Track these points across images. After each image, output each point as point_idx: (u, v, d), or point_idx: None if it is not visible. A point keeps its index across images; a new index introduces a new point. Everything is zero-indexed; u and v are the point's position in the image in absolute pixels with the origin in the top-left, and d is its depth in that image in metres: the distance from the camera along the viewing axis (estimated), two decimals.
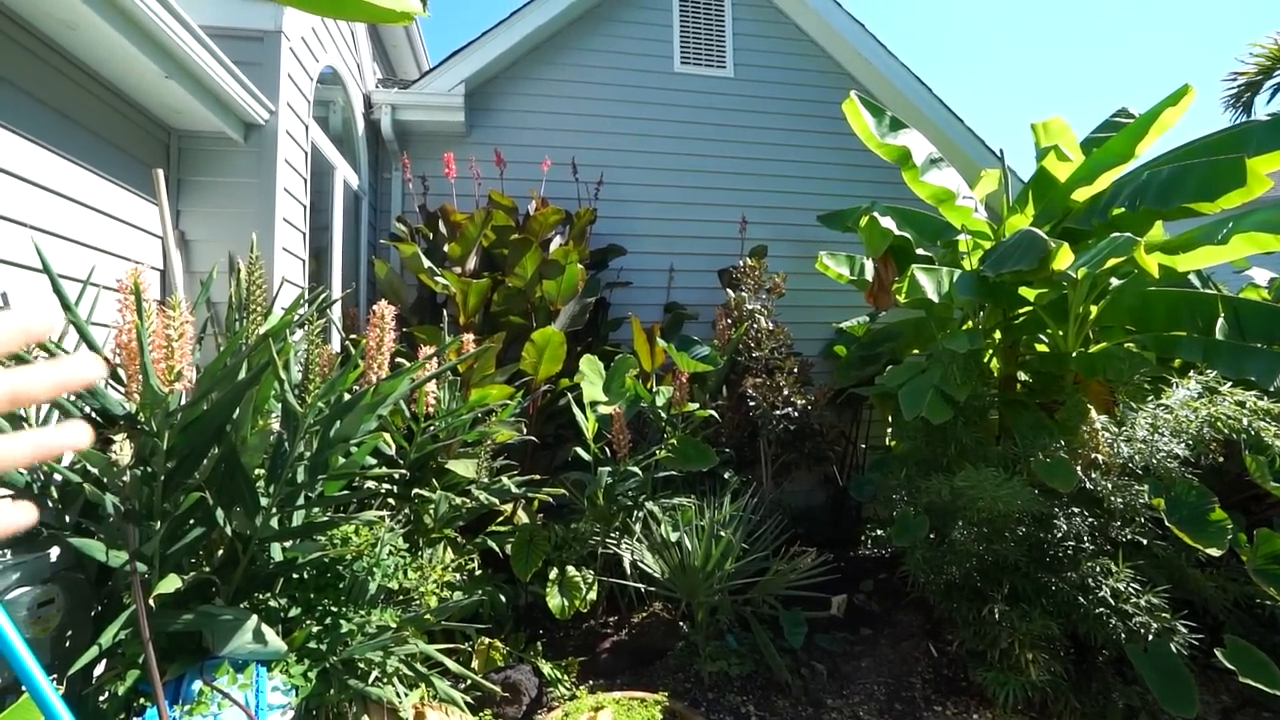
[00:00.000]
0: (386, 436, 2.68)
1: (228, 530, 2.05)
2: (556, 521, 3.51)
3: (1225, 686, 3.04)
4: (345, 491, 2.45)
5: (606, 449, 3.49)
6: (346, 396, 2.14)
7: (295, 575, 2.32)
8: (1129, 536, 2.69)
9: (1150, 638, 2.47)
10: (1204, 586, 2.73)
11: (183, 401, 1.92)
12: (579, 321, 4.22)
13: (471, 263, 4.10)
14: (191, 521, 2.01)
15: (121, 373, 1.81)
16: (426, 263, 3.89)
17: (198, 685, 1.84)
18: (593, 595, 3.10)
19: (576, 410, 3.55)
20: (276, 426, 2.12)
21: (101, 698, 1.78)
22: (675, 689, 2.89)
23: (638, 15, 5.23)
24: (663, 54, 5.26)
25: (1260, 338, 3.12)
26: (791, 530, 3.78)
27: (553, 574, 3.12)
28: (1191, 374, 2.95)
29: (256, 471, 2.28)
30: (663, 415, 3.72)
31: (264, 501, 2.08)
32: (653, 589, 3.23)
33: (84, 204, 2.26)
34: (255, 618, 1.96)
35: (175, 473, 1.90)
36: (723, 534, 3.05)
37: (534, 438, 3.56)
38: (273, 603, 2.22)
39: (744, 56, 5.42)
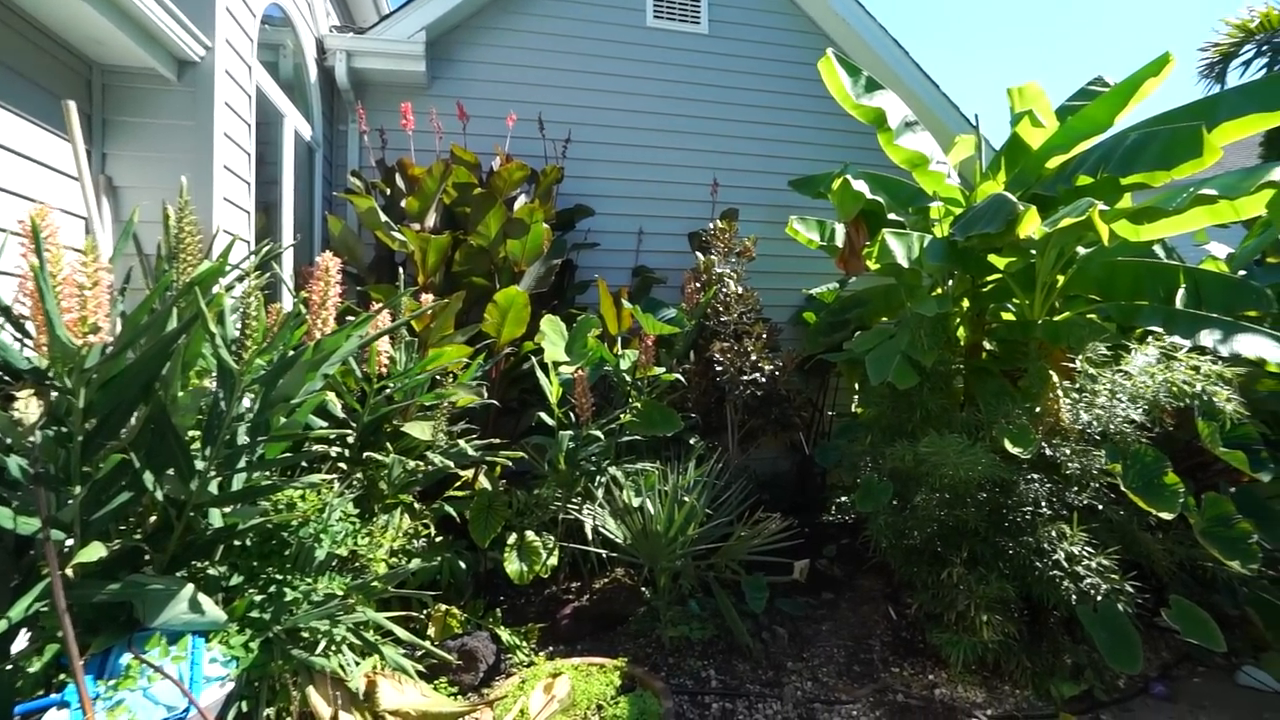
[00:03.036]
0: (332, 396, 2.56)
1: (158, 495, 1.92)
2: (519, 487, 3.44)
3: (1166, 643, 3.15)
4: (289, 454, 2.33)
5: (571, 414, 3.42)
6: (291, 354, 2.01)
7: (237, 542, 2.22)
8: (1084, 501, 2.73)
9: (1100, 598, 2.52)
10: (1152, 549, 2.79)
11: (103, 355, 1.77)
12: (544, 283, 4.09)
13: (431, 219, 3.92)
14: (119, 486, 1.88)
15: (30, 325, 1.65)
16: (383, 218, 3.71)
17: (126, 658, 1.73)
18: (553, 561, 3.05)
19: (540, 373, 3.45)
20: (211, 385, 1.99)
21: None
22: (636, 654, 2.88)
23: None
24: (635, 7, 5.04)
25: (1218, 307, 3.16)
26: (756, 496, 3.77)
27: (511, 539, 3.06)
28: (1150, 340, 2.97)
29: (190, 433, 2.15)
30: (628, 379, 3.65)
31: (199, 465, 1.96)
32: (615, 555, 3.19)
33: None
34: (190, 586, 1.85)
35: (96, 433, 1.77)
36: (686, 499, 3.01)
37: (496, 402, 3.46)
38: (212, 571, 2.12)
39: (719, 13, 5.23)
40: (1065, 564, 2.56)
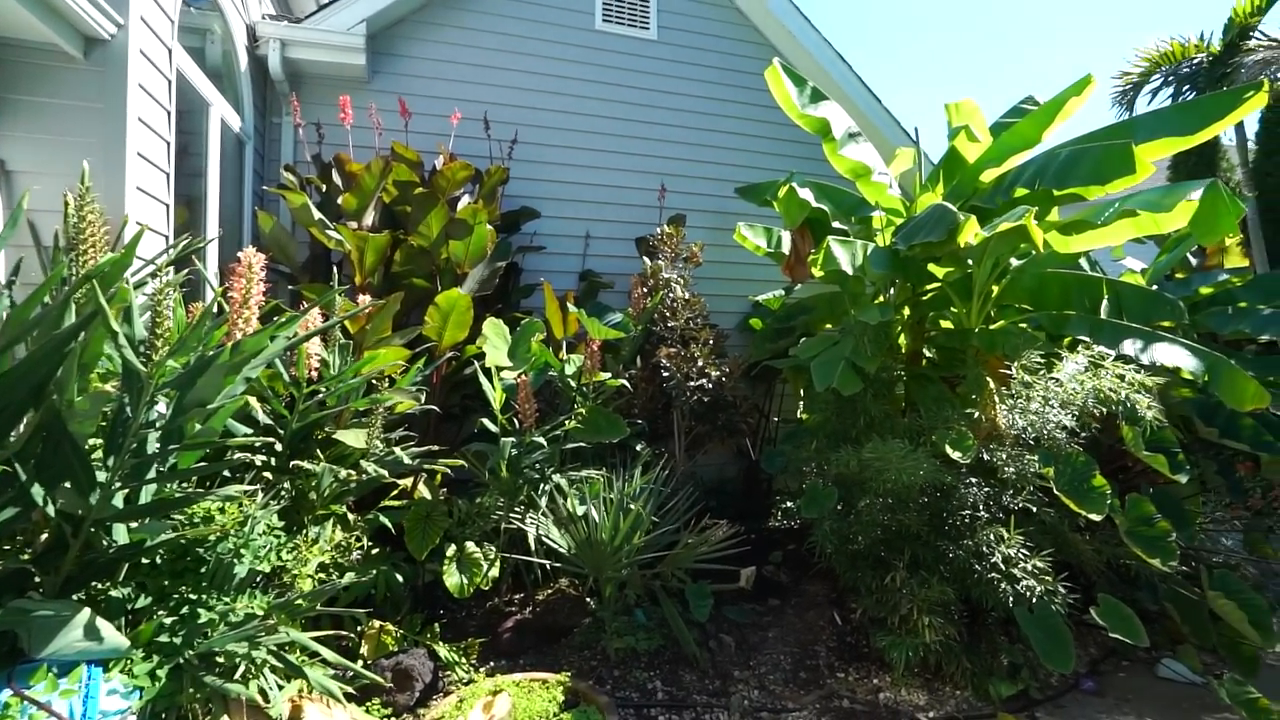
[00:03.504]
0: (252, 401, 2.39)
1: (50, 510, 1.74)
2: (461, 495, 3.31)
3: (1094, 640, 3.28)
4: (209, 464, 2.16)
5: (514, 420, 3.31)
6: (209, 356, 1.86)
7: (146, 560, 2.03)
8: (1019, 504, 2.81)
9: (1035, 600, 2.59)
10: (1082, 549, 2.90)
11: None
12: (488, 286, 3.98)
13: (369, 218, 3.76)
14: (3, 500, 1.69)
15: None
16: (318, 215, 3.53)
17: (5, 695, 1.55)
18: (495, 572, 2.94)
19: (483, 379, 3.34)
20: (110, 388, 1.82)
21: None
22: (580, 667, 2.80)
23: None
24: (584, 9, 5.00)
25: (1137, 318, 3.34)
26: (703, 503, 3.75)
27: (451, 551, 2.93)
28: (1080, 349, 3.10)
29: (91, 441, 1.97)
30: (573, 385, 3.57)
31: (101, 476, 1.79)
32: (559, 565, 3.11)
33: None
34: (87, 611, 1.68)
35: None
36: (632, 507, 2.96)
37: (436, 408, 3.33)
38: (115, 592, 1.94)
39: (668, 19, 5.25)
40: (1003, 566, 2.63)
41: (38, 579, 1.79)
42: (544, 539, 3.06)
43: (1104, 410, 2.86)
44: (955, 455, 2.78)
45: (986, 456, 2.89)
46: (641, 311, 4.12)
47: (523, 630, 2.98)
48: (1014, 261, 3.79)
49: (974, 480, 2.89)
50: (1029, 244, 2.94)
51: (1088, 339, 3.17)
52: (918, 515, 2.90)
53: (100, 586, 1.92)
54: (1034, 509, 2.85)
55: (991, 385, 3.08)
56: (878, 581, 2.93)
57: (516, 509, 3.16)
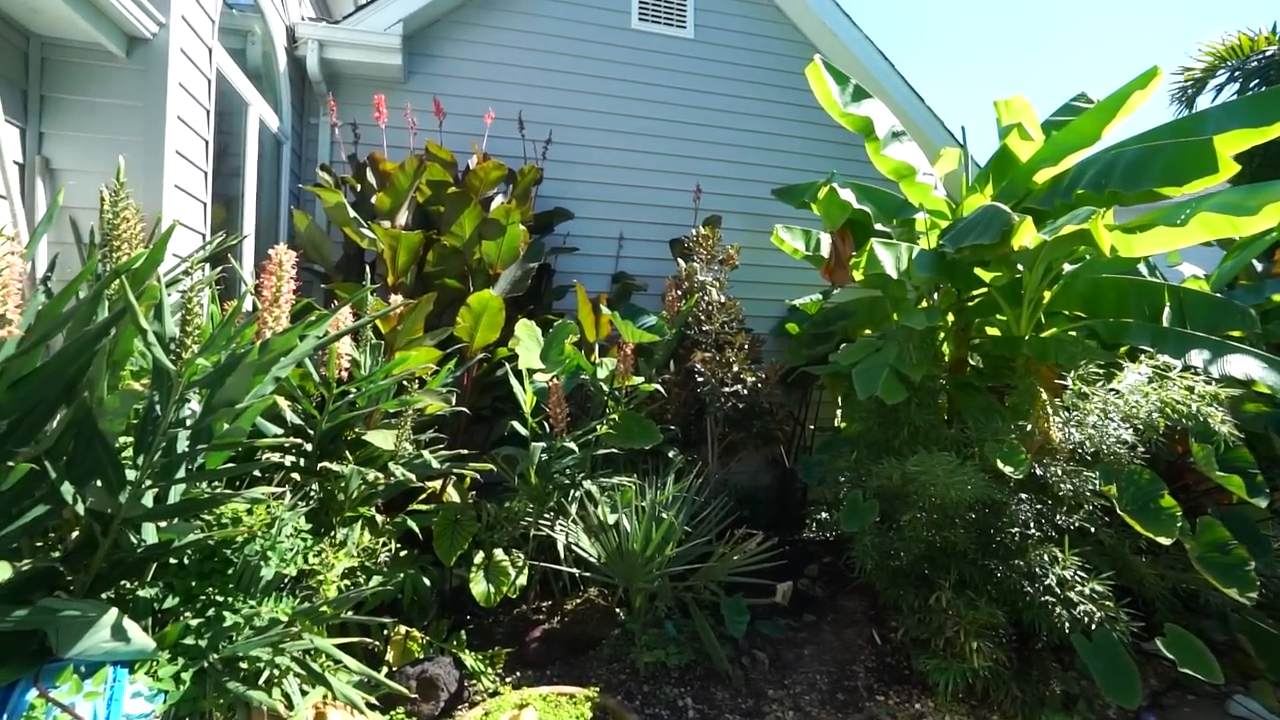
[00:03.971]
0: (280, 401, 2.37)
1: (80, 509, 1.72)
2: (490, 499, 3.26)
3: (1154, 670, 3.07)
4: (239, 464, 2.14)
5: (546, 424, 3.25)
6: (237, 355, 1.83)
7: (174, 560, 2.02)
8: (1075, 524, 2.64)
9: (1094, 626, 2.42)
10: (1144, 573, 2.72)
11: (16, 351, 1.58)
12: (520, 287, 3.93)
13: (403, 217, 3.74)
14: (33, 499, 1.68)
15: None
16: (352, 214, 3.52)
17: (32, 695, 1.53)
18: (522, 581, 2.87)
19: (514, 381, 3.28)
20: (138, 387, 1.80)
21: None
22: (608, 681, 2.71)
23: None
24: (620, 8, 4.93)
25: (1202, 326, 3.13)
26: (737, 512, 3.64)
27: (478, 558, 2.87)
28: (1142, 359, 2.91)
29: (122, 440, 1.95)
30: (605, 389, 3.49)
31: (130, 475, 1.77)
32: (588, 574, 3.03)
33: None
34: (115, 611, 1.65)
35: (5, 439, 1.57)
36: (664, 516, 2.87)
37: (466, 410, 3.28)
38: (144, 592, 1.92)
39: (705, 18, 5.15)
40: (1057, 589, 2.47)
41: (69, 577, 1.78)
42: (573, 547, 2.98)
43: (1168, 425, 2.68)
44: (1007, 470, 2.62)
45: (1039, 472, 2.73)
46: (676, 314, 4.03)
47: (550, 640, 2.91)
48: (1067, 267, 3.60)
49: (1025, 496, 2.73)
50: (1089, 247, 2.76)
51: (1149, 349, 2.98)
52: (965, 532, 2.74)
53: (129, 586, 1.90)
54: (1091, 529, 2.67)
55: (1044, 396, 2.91)
56: (921, 600, 2.78)
57: (546, 515, 3.10)
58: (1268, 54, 5.58)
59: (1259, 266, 4.64)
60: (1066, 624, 2.44)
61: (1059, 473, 2.67)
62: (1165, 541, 2.39)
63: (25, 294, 2.09)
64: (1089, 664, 2.39)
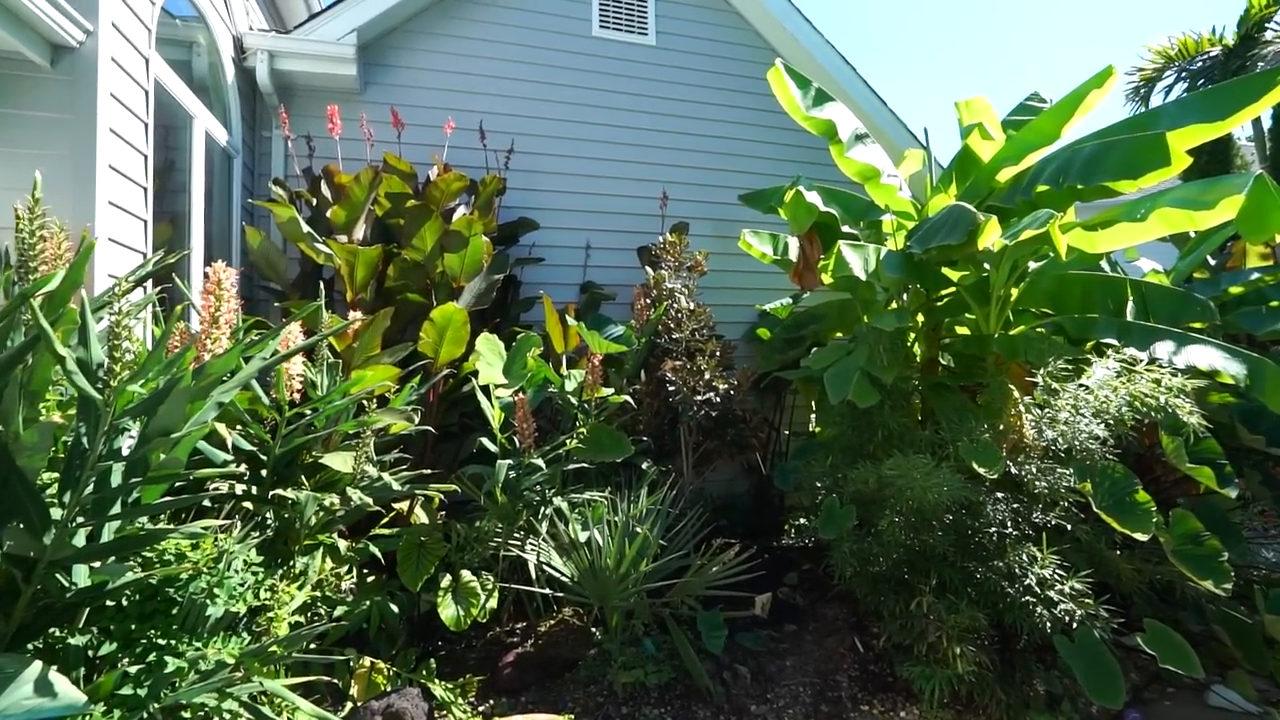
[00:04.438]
0: (220, 428, 2.24)
1: None
2: (460, 519, 3.14)
3: (1134, 664, 3.07)
4: (171, 497, 2.01)
5: (514, 439, 3.15)
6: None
7: (110, 602, 1.88)
8: (1052, 521, 2.62)
9: (1075, 626, 2.40)
10: (1121, 568, 2.71)
11: None
12: (485, 300, 3.83)
13: (360, 231, 3.63)
14: None
15: None
16: (306, 229, 3.39)
17: None
18: (493, 604, 2.76)
19: (482, 397, 3.18)
20: (59, 418, 1.67)
21: None
22: (585, 704, 2.61)
23: None
24: (581, 15, 4.89)
25: (1165, 319, 3.16)
26: (714, 522, 3.58)
27: (445, 581, 2.76)
28: (1110, 353, 2.93)
29: (46, 476, 1.82)
30: (574, 402, 3.41)
31: (56, 514, 1.63)
32: (561, 594, 2.93)
33: None
34: (38, 664, 1.51)
35: None
36: (638, 530, 2.78)
37: (431, 428, 3.17)
38: (75, 640, 1.78)
39: (667, 24, 5.13)
40: (1038, 589, 2.44)
41: None
42: (545, 566, 2.88)
43: (1140, 418, 2.68)
44: (982, 470, 2.60)
45: (1014, 470, 2.71)
46: (645, 323, 3.96)
47: (524, 664, 2.80)
48: (1032, 264, 3.62)
49: (1001, 496, 2.71)
50: (1051, 249, 2.77)
51: (1115, 342, 3.00)
52: (943, 535, 2.71)
53: (58, 634, 1.76)
54: (1068, 526, 2.66)
55: (1016, 394, 2.90)
56: (902, 606, 2.74)
57: (516, 534, 2.99)
58: (1211, 54, 5.76)
59: (1211, 261, 4.74)
60: (1048, 624, 2.41)
61: (1034, 471, 2.66)
62: (1142, 537, 2.39)
63: None
64: (1071, 665, 2.37)
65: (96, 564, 1.79)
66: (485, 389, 3.23)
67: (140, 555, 1.93)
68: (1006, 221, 3.19)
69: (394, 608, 2.74)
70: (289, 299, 3.67)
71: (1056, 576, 2.49)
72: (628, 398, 3.56)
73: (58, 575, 1.71)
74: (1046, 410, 2.81)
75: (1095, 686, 2.32)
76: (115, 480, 1.73)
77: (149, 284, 2.56)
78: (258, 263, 3.66)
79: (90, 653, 1.79)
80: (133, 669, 1.75)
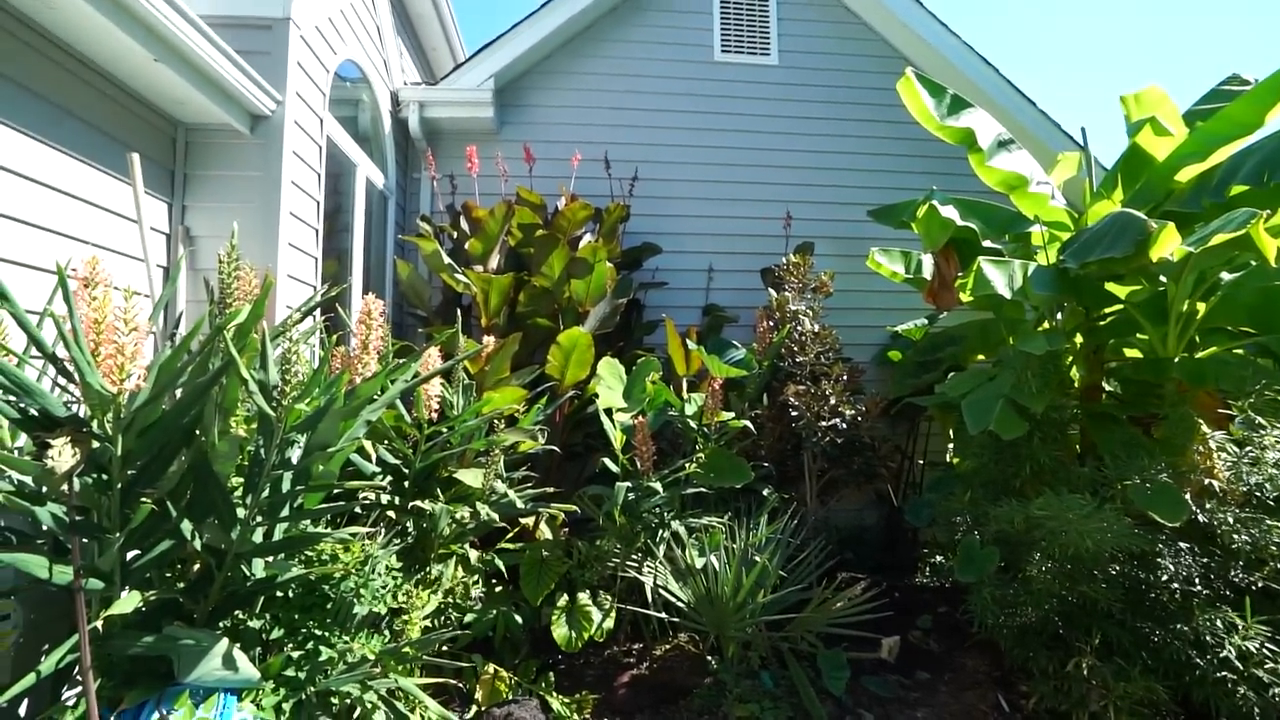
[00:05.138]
0: (366, 444, 2.47)
1: (197, 544, 1.87)
2: (581, 538, 3.24)
3: None
4: (328, 504, 2.26)
5: (635, 461, 3.21)
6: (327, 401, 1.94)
7: (280, 594, 2.14)
8: (1259, 584, 2.20)
9: None
10: None
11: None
12: (609, 323, 3.96)
13: (494, 261, 3.90)
14: (160, 535, 1.84)
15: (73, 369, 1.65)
16: (447, 260, 3.71)
17: (155, 717, 1.64)
18: (609, 624, 2.80)
19: (604, 418, 3.28)
20: (243, 432, 1.94)
21: None
22: None
23: (675, 3, 4.97)
24: (702, 43, 4.97)
25: None
26: (838, 555, 3.39)
27: (561, 600, 2.84)
28: None
29: (233, 481, 2.11)
30: (694, 425, 3.40)
31: (240, 513, 1.90)
32: (676, 619, 2.91)
33: (82, 199, 2.17)
34: (225, 641, 1.76)
35: (135, 481, 1.73)
36: (757, 559, 2.71)
37: (557, 447, 3.31)
38: (253, 623, 2.05)
39: (789, 43, 5.07)
40: (1238, 663, 2.05)
41: (191, 607, 1.92)
42: (661, 590, 2.88)
43: None
44: (1160, 517, 2.24)
45: (1202, 519, 2.31)
46: (767, 347, 3.88)
47: (639, 686, 2.81)
48: (1225, 275, 3.11)
49: (1184, 547, 2.32)
50: (1253, 254, 2.36)
51: None
52: (1108, 588, 2.37)
53: (241, 617, 2.03)
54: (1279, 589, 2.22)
55: (1203, 427, 2.49)
56: (1056, 665, 2.42)
57: (633, 556, 3.03)
58: None
59: None
60: (1256, 710, 2.01)
61: (1230, 521, 2.25)
62: None
63: (158, 349, 2.34)
64: None
65: (270, 559, 2.06)
66: (608, 411, 3.33)
67: (303, 554, 2.18)
68: (1189, 228, 2.77)
69: (518, 619, 2.88)
70: (432, 324, 4.02)
71: (1265, 651, 2.08)
72: (748, 423, 3.49)
73: (241, 566, 1.98)
74: (1248, 449, 2.38)
75: None
76: (285, 486, 1.98)
77: (317, 313, 2.94)
78: (406, 292, 4.05)
79: (264, 636, 2.04)
80: (295, 654, 1.97)
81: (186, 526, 1.83)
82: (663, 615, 2.90)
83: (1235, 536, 2.22)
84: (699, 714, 2.70)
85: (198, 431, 1.83)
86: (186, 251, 2.68)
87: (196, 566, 2.08)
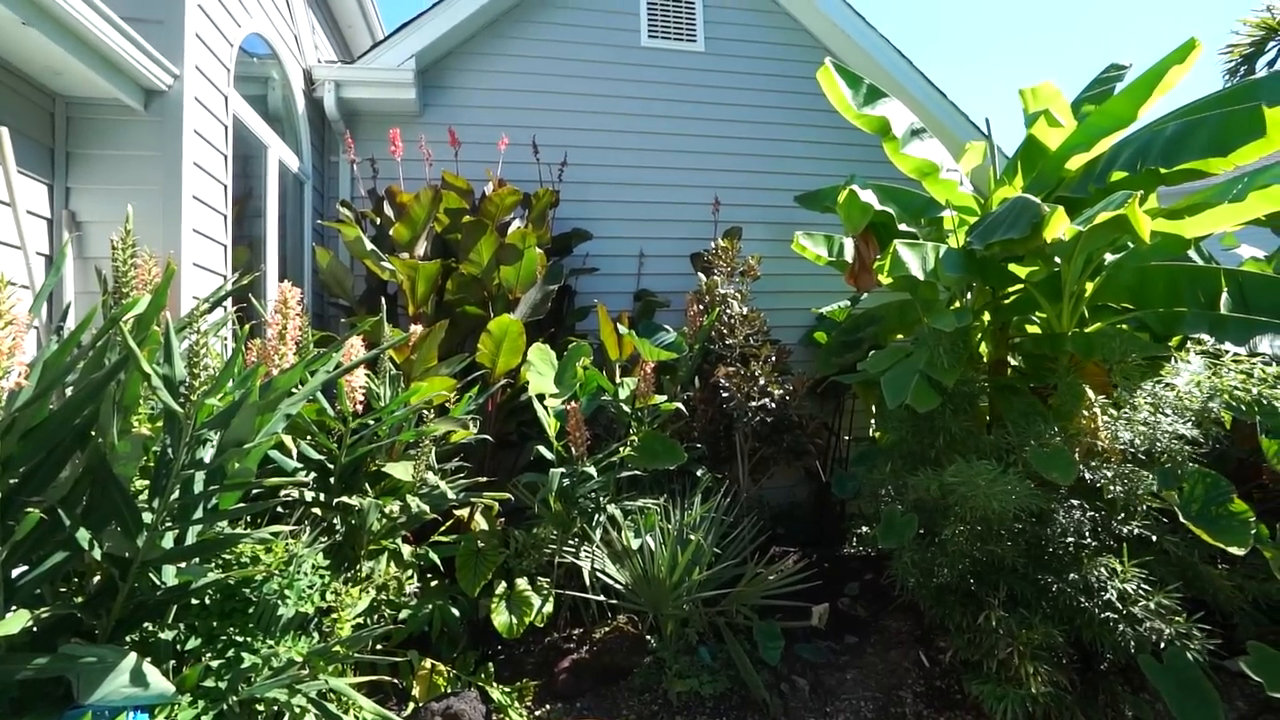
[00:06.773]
0: (286, 439, 2.37)
1: (96, 554, 1.74)
2: (519, 525, 3.22)
3: (1239, 690, 2.80)
4: (245, 503, 2.15)
5: (570, 447, 3.20)
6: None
7: (195, 601, 2.02)
8: (1135, 531, 2.44)
9: (1164, 646, 2.22)
10: (1220, 585, 2.49)
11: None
12: (540, 310, 3.92)
13: (421, 248, 3.78)
14: (53, 545, 1.70)
15: None
16: (370, 247, 3.57)
17: None
18: (548, 609, 2.80)
19: (538, 405, 3.25)
20: (147, 430, 1.82)
21: None
22: (640, 713, 2.61)
23: None
24: (629, 27, 4.95)
25: (1267, 310, 2.88)
26: (771, 530, 3.51)
27: (500, 589, 2.82)
28: (1190, 347, 2.70)
29: (138, 484, 1.97)
30: (627, 410, 3.43)
31: (147, 518, 1.78)
32: (615, 601, 2.94)
33: None
34: (133, 655, 1.64)
35: (20, 489, 1.59)
36: (692, 538, 2.77)
37: (489, 436, 3.26)
38: (165, 634, 1.92)
39: (716, 30, 5.13)
40: (1119, 604, 2.27)
41: (92, 622, 1.79)
42: (599, 573, 2.91)
43: (1235, 417, 2.46)
44: (1053, 476, 2.44)
45: (1089, 476, 2.54)
46: (697, 330, 3.95)
47: (580, 670, 2.83)
48: (1109, 257, 3.39)
49: (1076, 503, 2.54)
50: (1130, 235, 2.58)
51: (1207, 337, 2.77)
52: (1012, 545, 2.56)
53: (151, 628, 1.91)
54: (1153, 537, 2.46)
55: (1090, 394, 2.72)
56: (969, 619, 2.61)
57: (570, 541, 3.03)
58: None
59: None
60: (1132, 642, 2.24)
61: (1109, 475, 2.48)
62: (1238, 552, 2.18)
63: (43, 344, 2.15)
64: (1161, 688, 2.19)
65: (183, 564, 1.94)
66: (540, 397, 3.30)
67: (220, 558, 2.07)
68: (1078, 212, 3.00)
69: (455, 612, 2.83)
70: (356, 314, 3.87)
71: (1141, 591, 2.31)
72: (680, 405, 3.55)
73: (150, 574, 1.85)
74: (1124, 410, 2.62)
75: (1188, 713, 2.13)
76: (197, 487, 1.87)
77: (229, 304, 2.76)
78: (327, 281, 3.87)
79: (178, 647, 1.93)
80: (214, 664, 1.87)
81: (84, 535, 1.70)
82: (601, 598, 2.93)
83: (1113, 489, 2.44)
84: (639, 693, 2.76)
85: (94, 432, 1.70)
86: (72, 237, 2.46)
87: (97, 578, 1.94)
